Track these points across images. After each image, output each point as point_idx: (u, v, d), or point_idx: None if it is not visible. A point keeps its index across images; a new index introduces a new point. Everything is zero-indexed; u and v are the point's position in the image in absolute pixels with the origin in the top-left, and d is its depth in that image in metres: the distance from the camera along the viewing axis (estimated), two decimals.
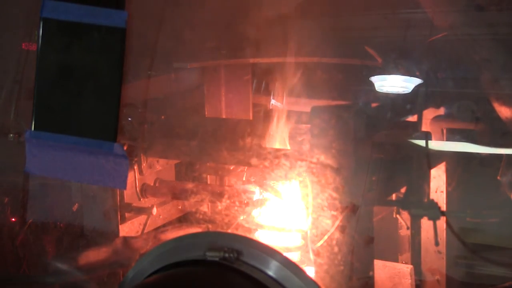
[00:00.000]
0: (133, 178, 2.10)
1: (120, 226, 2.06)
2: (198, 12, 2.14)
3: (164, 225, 2.23)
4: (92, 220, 2.06)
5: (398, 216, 2.25)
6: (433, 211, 2.03)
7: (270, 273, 1.17)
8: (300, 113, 1.99)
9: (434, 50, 2.05)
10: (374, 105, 2.11)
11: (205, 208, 2.31)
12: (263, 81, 2.18)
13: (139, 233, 2.14)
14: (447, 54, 2.04)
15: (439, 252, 2.20)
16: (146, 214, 2.13)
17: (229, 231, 2.01)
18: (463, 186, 2.20)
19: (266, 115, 2.00)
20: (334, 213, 1.66)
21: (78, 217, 2.07)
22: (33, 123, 1.22)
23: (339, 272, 1.68)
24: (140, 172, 2.11)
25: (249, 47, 2.13)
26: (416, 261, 2.22)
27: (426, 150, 2.01)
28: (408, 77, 2.16)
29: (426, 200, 2.06)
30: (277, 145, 1.94)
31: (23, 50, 2.20)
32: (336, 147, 1.68)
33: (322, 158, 1.68)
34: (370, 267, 1.79)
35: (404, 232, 2.29)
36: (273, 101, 1.96)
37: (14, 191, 2.23)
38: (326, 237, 1.67)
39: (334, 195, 1.67)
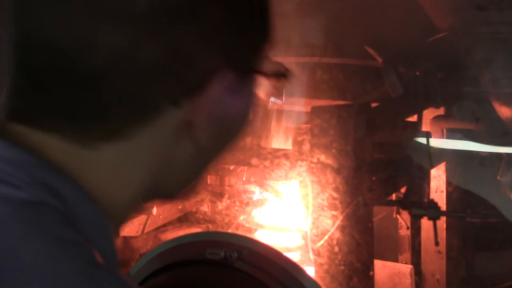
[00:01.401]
0: None
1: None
2: None
3: (164, 225, 2.23)
4: None
5: (398, 216, 2.25)
6: (433, 211, 2.03)
7: (271, 273, 1.17)
8: (300, 113, 1.99)
9: (434, 50, 2.05)
10: (374, 105, 2.11)
11: (205, 208, 2.31)
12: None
13: (139, 233, 2.14)
14: (447, 54, 2.04)
15: (439, 252, 2.20)
16: (146, 214, 2.13)
17: (230, 231, 2.01)
18: (463, 186, 2.20)
19: (266, 115, 2.00)
20: (334, 213, 1.66)
21: None
22: None
23: (339, 272, 1.68)
24: None
25: None
26: (416, 261, 2.22)
27: (426, 150, 2.01)
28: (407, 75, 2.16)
29: (426, 200, 2.06)
30: (278, 145, 1.94)
31: None
32: (336, 147, 1.68)
33: (322, 158, 1.68)
34: (370, 267, 1.79)
35: (404, 232, 2.29)
36: (272, 99, 1.96)
37: None
38: (326, 237, 1.67)
39: (334, 195, 1.67)
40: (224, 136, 0.64)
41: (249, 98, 0.64)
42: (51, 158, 0.56)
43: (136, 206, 0.63)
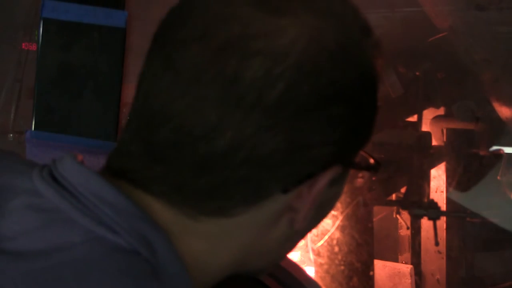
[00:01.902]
0: None
1: None
2: None
3: None
4: None
5: (398, 216, 2.25)
6: (433, 211, 2.03)
7: (271, 272, 1.17)
8: None
9: (434, 50, 2.05)
10: None
11: None
12: None
13: None
14: (447, 54, 2.04)
15: (439, 252, 2.20)
16: None
17: None
18: (463, 186, 2.20)
19: None
20: (334, 213, 1.67)
21: None
22: (33, 123, 1.22)
23: (339, 272, 1.68)
24: None
25: None
26: (416, 261, 2.22)
27: (426, 150, 2.01)
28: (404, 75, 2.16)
29: (426, 200, 2.06)
30: None
31: (23, 50, 2.20)
32: None
33: None
34: (370, 267, 1.79)
35: (404, 232, 2.29)
36: None
37: None
38: (326, 237, 1.67)
39: None
40: (316, 220, 0.68)
41: (343, 188, 0.67)
42: (151, 215, 0.58)
43: (221, 278, 0.65)
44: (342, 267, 1.68)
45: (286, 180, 0.59)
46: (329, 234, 1.67)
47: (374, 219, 1.91)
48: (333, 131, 0.59)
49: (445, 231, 2.18)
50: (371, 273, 1.79)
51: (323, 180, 0.61)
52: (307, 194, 0.61)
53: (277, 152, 0.57)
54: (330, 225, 1.67)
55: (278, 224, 0.63)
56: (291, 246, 0.68)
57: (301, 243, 1.96)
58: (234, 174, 0.58)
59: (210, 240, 0.61)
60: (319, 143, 0.59)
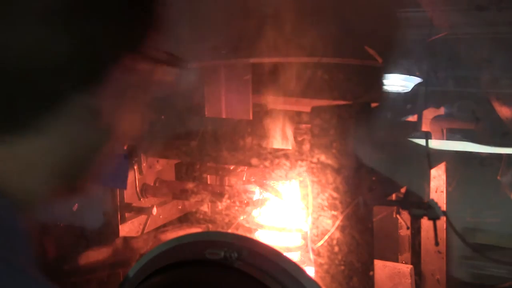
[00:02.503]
0: (133, 178, 2.10)
1: (120, 226, 2.06)
2: (197, 11, 2.14)
3: (164, 225, 2.23)
4: (92, 220, 2.06)
5: (398, 216, 2.25)
6: (433, 211, 2.03)
7: (271, 273, 1.17)
8: (300, 113, 1.98)
9: (434, 50, 2.05)
10: (374, 105, 2.11)
11: (205, 208, 2.31)
12: (263, 81, 2.18)
13: (139, 233, 2.14)
14: (447, 54, 2.04)
15: (439, 252, 2.20)
16: (146, 214, 2.13)
17: (230, 231, 2.01)
18: (463, 186, 2.20)
19: (266, 115, 2.00)
20: (334, 213, 1.66)
21: (78, 217, 2.07)
22: None
23: (339, 272, 1.68)
24: (140, 172, 2.11)
25: (249, 46, 2.13)
26: (416, 261, 2.22)
27: (426, 150, 2.01)
28: (408, 75, 2.16)
29: (426, 200, 2.06)
30: (278, 145, 1.94)
31: None
32: (336, 147, 1.68)
33: (323, 158, 1.68)
34: (370, 267, 1.79)
35: (404, 232, 2.29)
36: None
37: None
38: (326, 237, 1.67)
39: (334, 195, 1.67)
40: (126, 119, 0.70)
41: (146, 83, 0.70)
42: None
43: (46, 193, 0.67)
44: (342, 267, 1.67)
45: (81, 82, 0.62)
46: (329, 234, 1.67)
47: (374, 219, 1.90)
48: (113, 27, 0.63)
49: (445, 231, 2.18)
50: (371, 273, 1.78)
51: (118, 74, 0.64)
52: (107, 91, 0.64)
53: (64, 57, 0.60)
54: (330, 225, 1.67)
55: (90, 130, 0.65)
56: (101, 151, 0.69)
57: (301, 243, 1.96)
58: (26, 85, 0.59)
59: (25, 161, 0.62)
60: (102, 40, 0.62)
